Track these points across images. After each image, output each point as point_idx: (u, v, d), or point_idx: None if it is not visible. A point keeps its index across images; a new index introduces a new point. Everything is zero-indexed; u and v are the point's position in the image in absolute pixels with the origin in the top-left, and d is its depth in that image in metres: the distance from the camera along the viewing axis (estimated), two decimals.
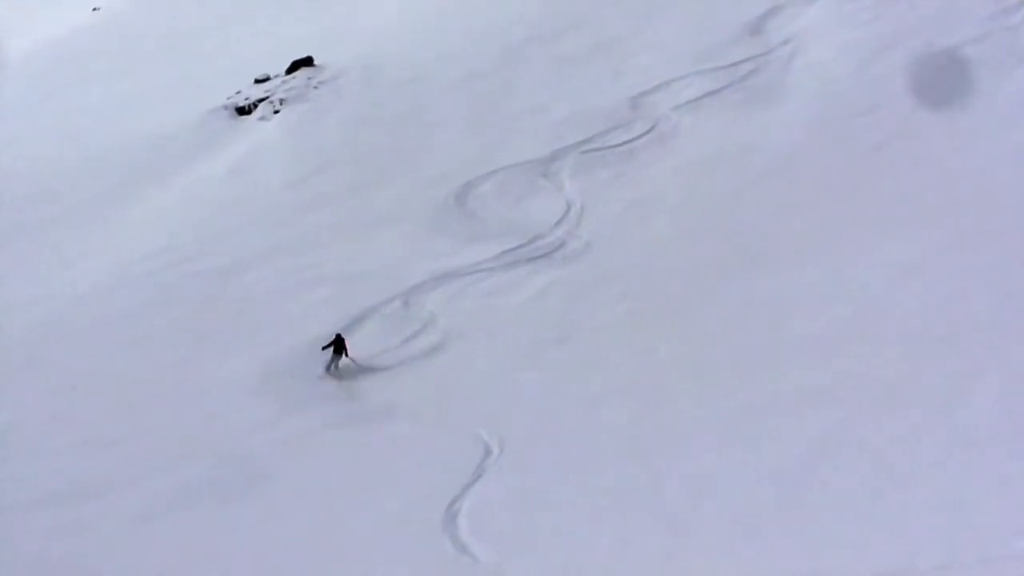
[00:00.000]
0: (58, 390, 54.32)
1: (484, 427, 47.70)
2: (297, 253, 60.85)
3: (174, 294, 58.63)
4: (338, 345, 48.41)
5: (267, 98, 70.34)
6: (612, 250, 57.71)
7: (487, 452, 46.54)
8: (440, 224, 60.86)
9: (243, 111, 69.59)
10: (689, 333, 51.47)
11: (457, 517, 43.38)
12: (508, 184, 62.06)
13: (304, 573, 41.22)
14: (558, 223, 60.15)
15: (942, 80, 61.95)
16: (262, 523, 43.95)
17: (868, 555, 36.55)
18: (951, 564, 34.49)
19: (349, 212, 61.35)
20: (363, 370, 47.60)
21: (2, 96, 79.65)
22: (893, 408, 44.05)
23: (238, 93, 71.53)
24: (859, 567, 36.06)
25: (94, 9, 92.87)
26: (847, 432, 43.74)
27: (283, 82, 71.46)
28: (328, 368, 48.61)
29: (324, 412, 50.75)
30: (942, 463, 39.83)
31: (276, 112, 69.07)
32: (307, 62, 73.10)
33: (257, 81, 72.35)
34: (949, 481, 38.67)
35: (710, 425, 45.83)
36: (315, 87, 70.71)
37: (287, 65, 72.31)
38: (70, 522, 45.21)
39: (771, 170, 60.52)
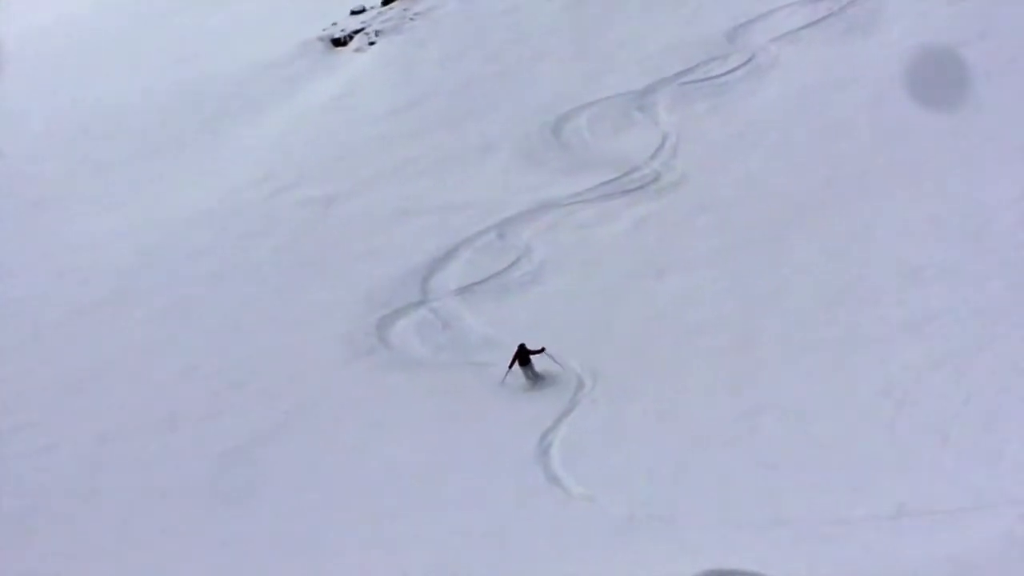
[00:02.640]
0: (163, 316, 55.34)
1: (578, 359, 47.96)
2: (395, 184, 61.09)
3: (276, 222, 59.44)
4: (522, 357, 46.24)
5: (362, 30, 70.69)
6: (708, 183, 57.92)
7: (580, 384, 46.79)
8: (536, 156, 61.28)
9: (339, 43, 70.10)
10: (784, 265, 51.91)
11: (550, 449, 44.18)
12: (604, 116, 62.51)
13: (398, 503, 41.35)
14: (653, 155, 60.23)
15: None
16: (356, 453, 44.95)
17: (964, 485, 36.80)
18: None
19: (446, 143, 61.89)
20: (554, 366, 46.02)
21: (108, 30, 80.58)
22: (991, 341, 44.31)
23: (334, 25, 71.96)
24: (955, 497, 35.98)
25: None
26: (943, 364, 43.85)
27: (379, 13, 71.70)
28: (531, 385, 46.46)
29: (419, 344, 51.65)
30: None
31: (372, 44, 69.51)
32: None
33: (353, 12, 72.71)
34: None
35: (804, 357, 46.39)
36: (411, 18, 70.97)
37: None
38: (167, 450, 46.23)
39: (869, 102, 60.37)
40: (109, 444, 46.87)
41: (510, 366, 45.30)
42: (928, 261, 49.89)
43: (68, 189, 64.29)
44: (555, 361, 45.23)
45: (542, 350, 45.53)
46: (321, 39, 70.48)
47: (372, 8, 71.96)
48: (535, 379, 45.13)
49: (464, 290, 53.82)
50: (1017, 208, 51.53)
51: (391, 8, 71.61)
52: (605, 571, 33.58)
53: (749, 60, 65.30)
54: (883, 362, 44.89)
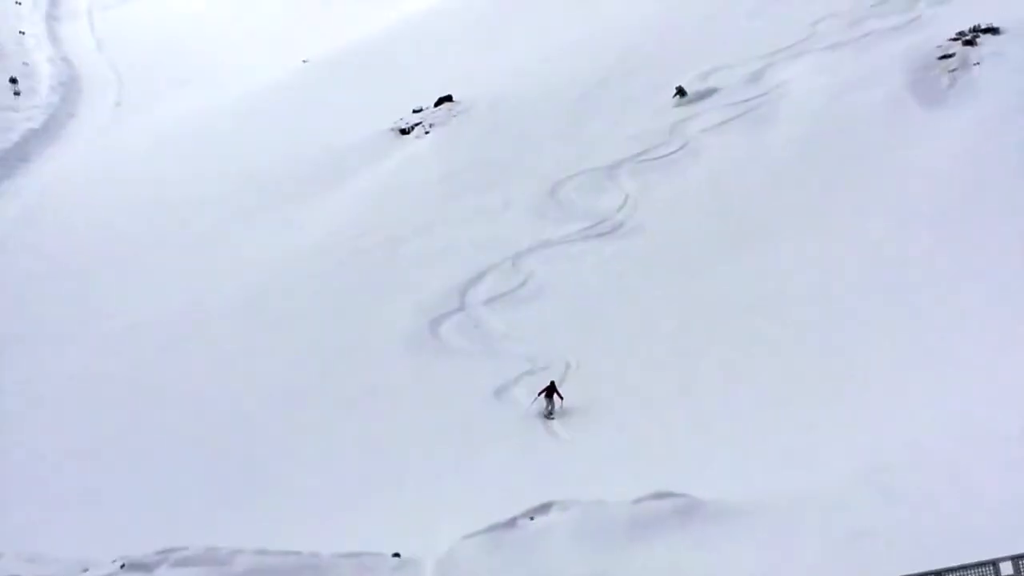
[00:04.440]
0: (278, 321, 54.81)
1: (567, 349, 49.26)
2: (441, 229, 61.10)
3: (358, 256, 58.72)
4: (550, 390, 44.10)
5: (420, 123, 70.44)
6: (657, 230, 58.32)
7: (567, 366, 47.94)
8: (539, 211, 61.52)
9: (404, 132, 69.38)
10: (710, 286, 52.14)
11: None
12: (585, 183, 61.95)
13: (443, 453, 42.11)
14: (619, 210, 60.71)
15: (891, 110, 61.96)
16: (410, 419, 45.28)
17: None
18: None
19: (476, 202, 62.46)
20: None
21: (248, 119, 79.87)
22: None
23: (401, 119, 71.46)
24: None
25: (304, 61, 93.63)
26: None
27: (432, 112, 71.39)
28: (547, 414, 44.15)
29: (458, 339, 51.92)
30: None
31: (427, 133, 68.78)
32: (448, 98, 72.42)
33: (414, 111, 72.13)
34: None
35: (715, 343, 47.51)
36: (454, 116, 69.97)
37: (435, 100, 72.50)
38: (283, 411, 46.74)
39: (770, 174, 60.17)
40: (264, 409, 46.94)
41: (539, 394, 44.08)
42: (810, 287, 49.98)
43: (219, 230, 63.70)
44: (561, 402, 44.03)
45: (562, 397, 44.03)
46: (392, 129, 69.23)
47: (427, 108, 71.79)
48: (551, 410, 43.73)
49: (489, 301, 54.34)
50: (880, 247, 51.30)
51: (440, 108, 71.26)
52: (581, 494, 32.93)
53: (684, 145, 64.96)
54: (777, 355, 45.42)
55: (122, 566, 29.23)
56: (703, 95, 69.14)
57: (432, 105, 72.49)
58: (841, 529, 28.58)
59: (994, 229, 48.68)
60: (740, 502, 31.58)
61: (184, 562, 29.18)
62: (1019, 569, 23.39)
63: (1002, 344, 40.22)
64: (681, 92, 68.95)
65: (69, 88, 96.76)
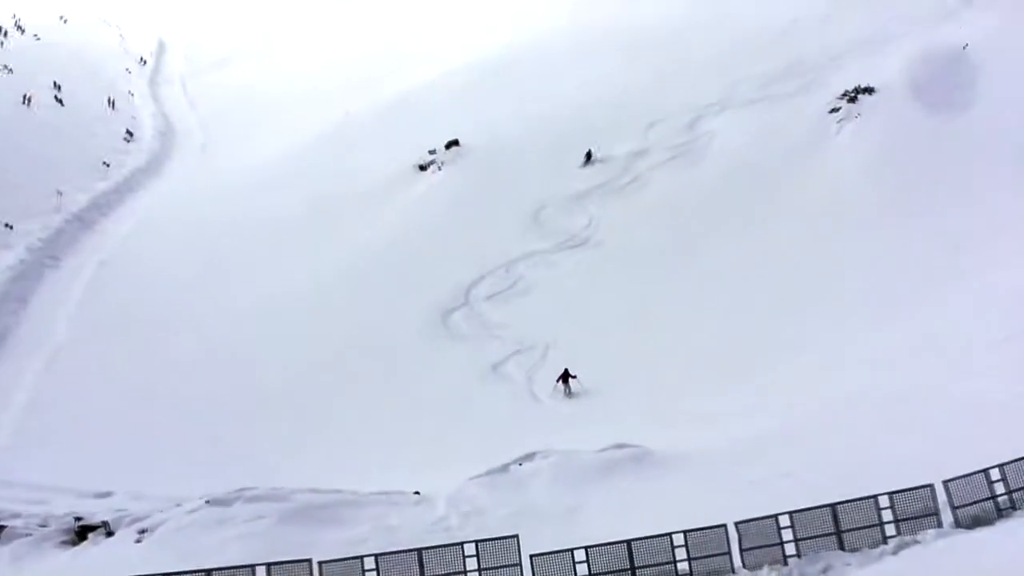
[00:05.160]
0: (328, 312, 53.90)
1: (548, 333, 49.45)
2: (451, 242, 60.39)
3: (387, 265, 57.97)
4: (565, 376, 43.71)
5: (434, 161, 70.18)
6: (615, 243, 58.53)
7: (547, 346, 48.22)
8: (524, 229, 61.14)
9: (422, 168, 69.30)
10: (658, 284, 52.56)
11: (533, 382, 45.67)
12: (560, 208, 62.94)
13: (446, 416, 42.09)
14: (586, 228, 60.74)
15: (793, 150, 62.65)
16: (423, 392, 44.77)
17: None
18: None
19: (477, 221, 62.27)
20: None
21: (302, 158, 79.47)
22: None
23: (420, 159, 71.47)
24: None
25: (346, 112, 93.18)
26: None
27: (443, 153, 71.05)
28: (567, 394, 43.70)
29: (464, 327, 51.76)
30: None
31: (439, 169, 68.70)
32: (455, 142, 71.40)
33: (429, 152, 71.67)
34: None
35: (664, 329, 47.96)
36: (461, 156, 70.72)
37: (445, 143, 70.52)
38: (324, 382, 46.25)
39: (702, 199, 60.67)
40: (315, 379, 46.57)
41: (557, 380, 43.78)
42: (733, 285, 51.03)
43: (287, 241, 62.58)
44: (577, 383, 43.79)
45: (575, 376, 43.78)
46: (414, 166, 69.61)
47: (439, 150, 71.33)
48: (569, 391, 43.47)
49: (488, 298, 54.37)
50: (772, 258, 52.72)
51: (449, 150, 70.90)
52: (558, 445, 33.35)
53: (635, 178, 64.81)
54: (713, 338, 46.20)
55: (207, 502, 29.33)
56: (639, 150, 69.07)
57: (443, 147, 71.88)
58: (753, 472, 28.91)
59: (875, 234, 51.57)
60: (678, 451, 32.35)
61: (254, 499, 29.30)
62: (893, 502, 23.41)
63: (878, 323, 42.32)
64: (588, 156, 67.52)
65: (166, 136, 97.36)
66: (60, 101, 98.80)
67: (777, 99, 70.07)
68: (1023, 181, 50.83)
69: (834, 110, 65.32)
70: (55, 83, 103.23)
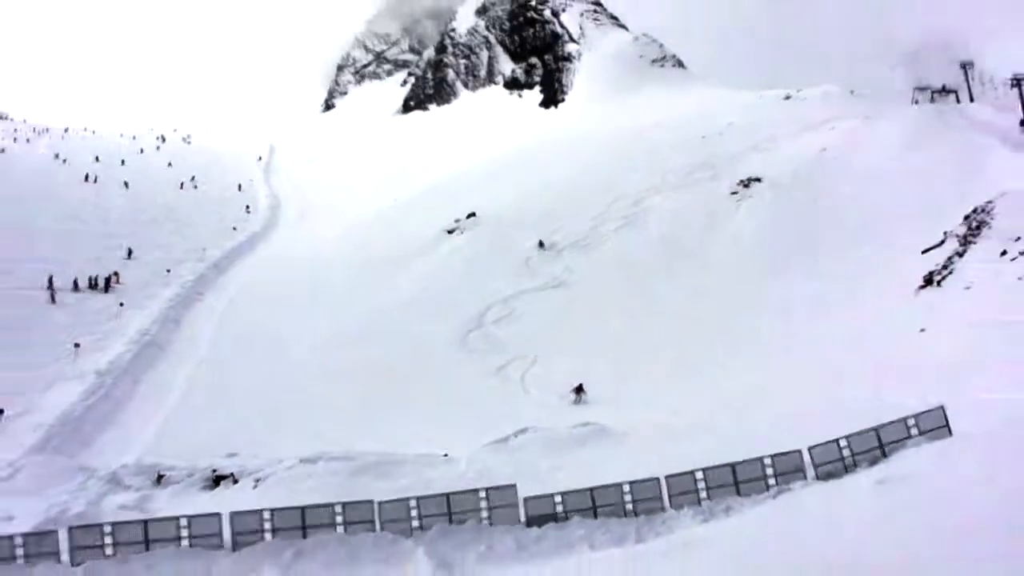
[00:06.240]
0: (378, 336, 51.94)
1: (537, 348, 48.10)
2: (468, 284, 59.29)
3: (419, 303, 56.82)
4: (578, 389, 40.36)
5: (458, 227, 68.75)
6: (584, 284, 57.17)
7: (536, 357, 46.87)
8: (518, 273, 59.90)
9: (449, 232, 69.04)
10: (618, 313, 51.17)
11: (525, 380, 44.37)
12: (544, 258, 61.75)
13: (463, 410, 40.30)
14: (563, 272, 59.25)
15: (709, 217, 62.63)
16: (445, 392, 43.23)
17: None
18: None
19: (487, 269, 61.18)
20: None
21: (367, 228, 79.37)
22: None
23: (447, 226, 70.42)
24: None
25: (394, 199, 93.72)
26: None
27: (464, 221, 69.75)
28: (576, 401, 40.06)
29: (479, 343, 50.24)
30: None
31: (461, 233, 68.36)
32: (473, 214, 70.68)
33: (455, 220, 66.72)
34: None
35: (624, 345, 46.39)
36: (476, 223, 69.73)
37: (466, 214, 70.29)
38: (374, 386, 44.02)
39: (646, 252, 59.95)
40: (371, 378, 44.89)
41: (571, 391, 40.60)
42: (676, 311, 50.04)
43: (353, 285, 62.29)
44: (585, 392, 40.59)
45: (582, 389, 40.53)
46: (443, 231, 69.13)
47: (461, 219, 69.89)
48: (578, 400, 39.94)
49: (494, 322, 52.98)
50: (705, 295, 51.44)
51: (469, 220, 68.50)
52: (543, 423, 32.85)
53: (598, 238, 62.90)
54: (664, 348, 45.03)
55: (300, 460, 29.31)
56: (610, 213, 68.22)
57: (464, 218, 71.11)
58: (679, 444, 28.65)
59: (763, 280, 51.43)
60: (632, 429, 31.67)
61: (332, 459, 29.16)
62: (773, 462, 23.48)
63: (768, 346, 41.91)
64: (541, 244, 63.73)
65: (275, 209, 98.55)
66: (199, 185, 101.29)
67: (695, 184, 69.44)
68: (869, 241, 51.31)
69: (734, 192, 65.64)
70: (199, 174, 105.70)
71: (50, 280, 54.55)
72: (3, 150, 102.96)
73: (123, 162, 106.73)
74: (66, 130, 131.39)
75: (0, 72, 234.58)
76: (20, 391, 38.62)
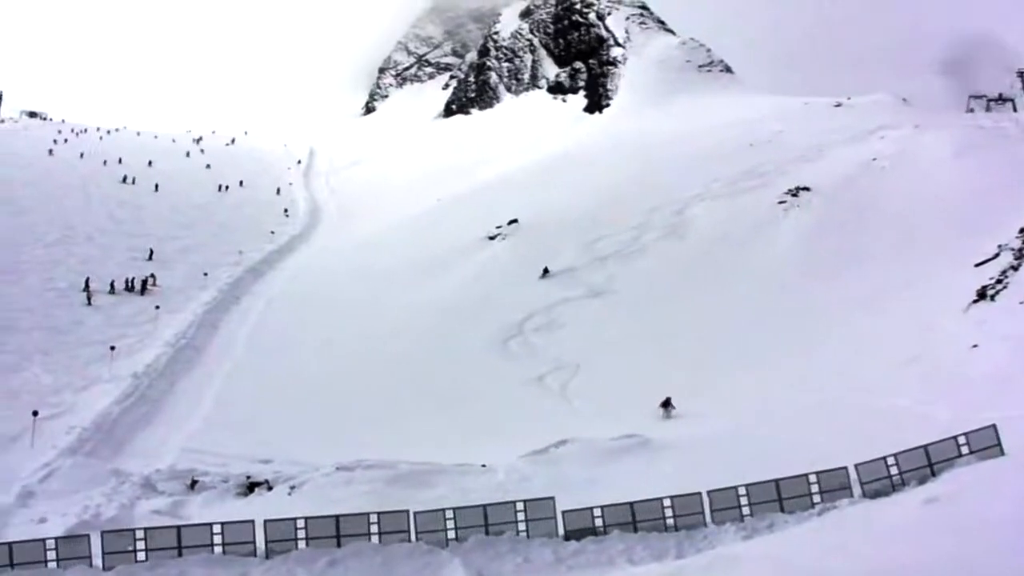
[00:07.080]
0: (413, 340, 51.67)
1: (578, 356, 48.11)
2: (509, 290, 59.02)
3: (459, 310, 56.40)
4: (666, 402, 38.18)
5: (499, 234, 69.27)
6: (625, 292, 57.00)
7: (578, 366, 46.91)
8: (562, 282, 59.30)
9: (491, 238, 68.40)
10: (659, 320, 51.34)
11: (566, 390, 44.26)
12: (587, 267, 61.24)
13: (503, 412, 40.75)
14: (605, 281, 58.86)
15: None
16: (484, 395, 43.48)
17: None
18: None
19: (527, 278, 60.33)
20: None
21: (407, 230, 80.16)
22: None
23: (489, 232, 70.44)
24: None
25: (437, 199, 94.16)
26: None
27: (505, 227, 69.63)
28: (666, 416, 37.93)
29: (518, 351, 50.15)
30: None
31: (503, 239, 67.97)
32: (515, 220, 70.74)
33: (496, 227, 68.09)
34: None
35: (662, 354, 46.18)
36: (518, 230, 69.01)
37: (507, 221, 70.70)
38: (417, 402, 43.11)
39: (687, 261, 59.69)
40: (408, 384, 44.98)
41: (660, 405, 38.41)
42: (714, 320, 49.83)
43: (391, 288, 62.39)
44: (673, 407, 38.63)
45: (670, 403, 38.55)
46: (485, 237, 69.08)
47: (502, 225, 70.22)
48: (668, 414, 37.93)
49: (535, 330, 52.67)
50: (743, 304, 51.19)
51: (511, 226, 68.72)
52: (582, 434, 32.69)
53: (641, 247, 63.09)
54: (700, 356, 45.11)
55: (337, 468, 29.64)
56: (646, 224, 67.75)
57: (506, 224, 71.29)
58: (721, 456, 28.58)
59: (807, 287, 51.02)
60: (670, 440, 31.82)
61: (369, 467, 29.62)
62: (819, 479, 23.31)
63: (808, 352, 42.09)
64: (545, 271, 61.48)
65: (313, 213, 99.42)
66: (238, 188, 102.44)
67: (741, 193, 69.12)
68: (918, 253, 51.13)
69: (781, 201, 65.13)
70: (239, 177, 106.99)
71: (87, 282, 55.34)
72: (51, 152, 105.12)
73: (153, 164, 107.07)
74: (108, 131, 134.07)
75: (37, 73, 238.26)
76: (55, 393, 38.85)
